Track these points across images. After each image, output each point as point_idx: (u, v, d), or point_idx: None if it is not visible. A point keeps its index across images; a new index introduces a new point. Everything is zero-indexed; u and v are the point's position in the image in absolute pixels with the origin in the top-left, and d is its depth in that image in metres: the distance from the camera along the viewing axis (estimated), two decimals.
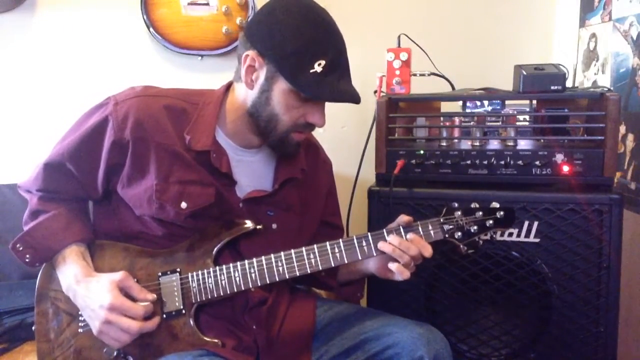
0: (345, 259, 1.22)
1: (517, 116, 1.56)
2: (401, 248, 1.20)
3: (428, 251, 1.21)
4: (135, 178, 1.22)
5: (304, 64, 1.14)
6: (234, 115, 1.26)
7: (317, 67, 1.14)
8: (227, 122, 1.27)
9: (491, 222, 1.24)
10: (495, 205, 1.26)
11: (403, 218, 1.26)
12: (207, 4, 2.02)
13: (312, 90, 1.15)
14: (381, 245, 1.22)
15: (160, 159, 1.21)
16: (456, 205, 1.26)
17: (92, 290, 1.17)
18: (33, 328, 1.26)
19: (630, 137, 1.70)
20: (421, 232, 1.23)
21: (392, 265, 1.20)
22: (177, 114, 1.25)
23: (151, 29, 2.03)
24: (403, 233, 1.23)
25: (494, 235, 1.28)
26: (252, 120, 1.23)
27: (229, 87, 1.31)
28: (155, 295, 1.19)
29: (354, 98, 1.19)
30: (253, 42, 1.18)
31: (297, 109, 1.20)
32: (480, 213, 1.24)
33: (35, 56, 2.08)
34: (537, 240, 1.39)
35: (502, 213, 1.24)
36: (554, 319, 1.40)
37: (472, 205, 1.25)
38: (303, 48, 1.14)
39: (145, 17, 2.01)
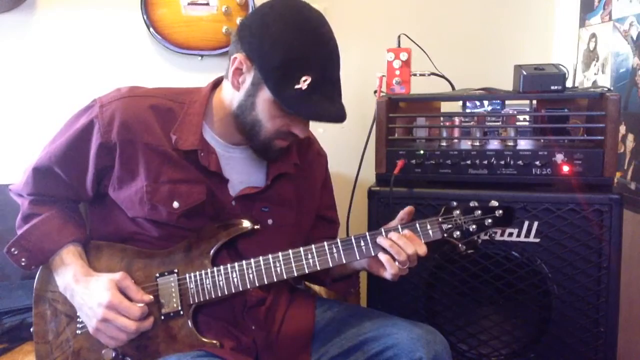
0: (344, 259, 1.22)
1: (517, 116, 1.56)
2: (399, 244, 1.19)
3: (422, 250, 1.20)
4: (125, 180, 1.22)
5: (288, 79, 1.12)
6: (221, 113, 1.26)
7: (302, 84, 1.11)
8: (215, 120, 1.27)
9: (490, 221, 1.23)
10: (494, 203, 1.24)
11: (405, 210, 1.26)
12: (207, 4, 2.02)
13: (295, 106, 1.13)
14: (380, 240, 1.21)
15: (148, 160, 1.21)
16: (455, 204, 1.25)
17: (91, 289, 1.17)
18: (31, 330, 1.26)
19: (630, 137, 1.70)
20: (419, 232, 1.23)
21: (383, 257, 1.19)
22: (163, 113, 1.24)
23: (151, 29, 2.03)
24: (401, 230, 1.22)
25: (494, 235, 1.27)
26: (237, 122, 1.23)
27: (216, 84, 1.30)
28: (152, 297, 1.19)
29: (338, 117, 1.17)
30: (243, 44, 1.16)
31: (281, 118, 1.18)
32: (479, 212, 1.24)
33: (35, 56, 2.08)
34: (537, 240, 1.38)
35: (500, 212, 1.23)
36: (554, 319, 1.40)
37: (471, 204, 1.24)
38: (290, 62, 1.12)
39: (145, 17, 2.01)
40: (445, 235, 1.23)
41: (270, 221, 1.29)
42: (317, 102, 1.14)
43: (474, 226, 1.23)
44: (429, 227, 1.23)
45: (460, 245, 1.23)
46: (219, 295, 1.20)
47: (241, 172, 1.28)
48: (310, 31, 1.14)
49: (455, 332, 1.46)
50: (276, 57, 1.12)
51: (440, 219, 1.24)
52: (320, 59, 1.14)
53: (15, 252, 1.23)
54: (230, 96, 1.23)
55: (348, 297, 1.55)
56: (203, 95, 1.28)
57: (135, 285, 1.19)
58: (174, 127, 1.23)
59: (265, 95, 1.16)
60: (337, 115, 1.17)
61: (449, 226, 1.23)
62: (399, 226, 1.23)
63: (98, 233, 1.30)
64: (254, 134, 1.22)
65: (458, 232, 1.23)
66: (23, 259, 1.24)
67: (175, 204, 1.20)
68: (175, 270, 1.22)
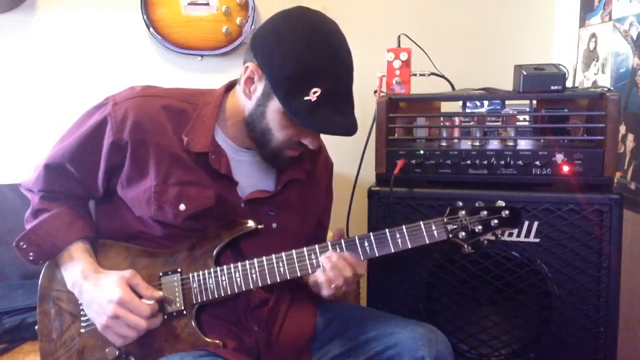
0: None
1: (517, 116, 1.56)
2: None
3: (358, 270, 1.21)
4: (135, 179, 1.22)
5: (298, 91, 1.12)
6: (233, 118, 1.26)
7: (312, 96, 1.11)
8: (228, 123, 1.27)
9: (496, 221, 1.23)
10: (501, 204, 1.24)
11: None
12: (207, 4, 2.02)
13: (304, 118, 1.13)
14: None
15: (159, 161, 1.21)
16: (460, 204, 1.24)
17: (101, 285, 1.18)
18: (36, 327, 1.26)
19: (630, 137, 1.70)
20: (424, 232, 1.23)
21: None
22: (176, 114, 1.24)
23: (151, 29, 2.03)
24: (405, 231, 1.22)
25: (499, 236, 1.26)
26: (249, 129, 1.23)
27: (230, 86, 1.31)
28: (161, 293, 1.20)
29: (347, 131, 1.16)
30: (255, 54, 1.17)
31: (291, 128, 1.19)
32: (485, 212, 1.23)
33: (35, 56, 2.07)
34: (537, 240, 1.39)
35: (507, 212, 1.23)
36: (554, 319, 1.40)
37: (477, 204, 1.24)
38: (299, 74, 1.12)
39: (145, 17, 2.01)
40: (450, 235, 1.23)
41: (274, 225, 1.30)
42: (326, 114, 1.13)
43: (479, 227, 1.23)
44: (433, 227, 1.23)
45: (465, 246, 1.23)
46: (222, 295, 1.21)
47: (250, 176, 1.29)
48: (322, 43, 1.14)
49: (455, 332, 1.46)
50: (286, 68, 1.11)
51: (445, 220, 1.24)
52: (331, 71, 1.14)
53: (24, 246, 1.24)
54: (242, 102, 1.23)
55: (348, 297, 1.55)
56: (216, 97, 1.28)
57: (144, 282, 1.20)
58: (186, 129, 1.23)
59: (275, 105, 1.16)
60: (345, 128, 1.16)
61: (454, 227, 1.23)
62: (404, 227, 1.23)
63: (103, 230, 1.30)
64: (264, 142, 1.22)
65: (463, 233, 1.23)
66: (31, 254, 1.24)
67: (182, 207, 1.20)
68: (179, 270, 1.22)
